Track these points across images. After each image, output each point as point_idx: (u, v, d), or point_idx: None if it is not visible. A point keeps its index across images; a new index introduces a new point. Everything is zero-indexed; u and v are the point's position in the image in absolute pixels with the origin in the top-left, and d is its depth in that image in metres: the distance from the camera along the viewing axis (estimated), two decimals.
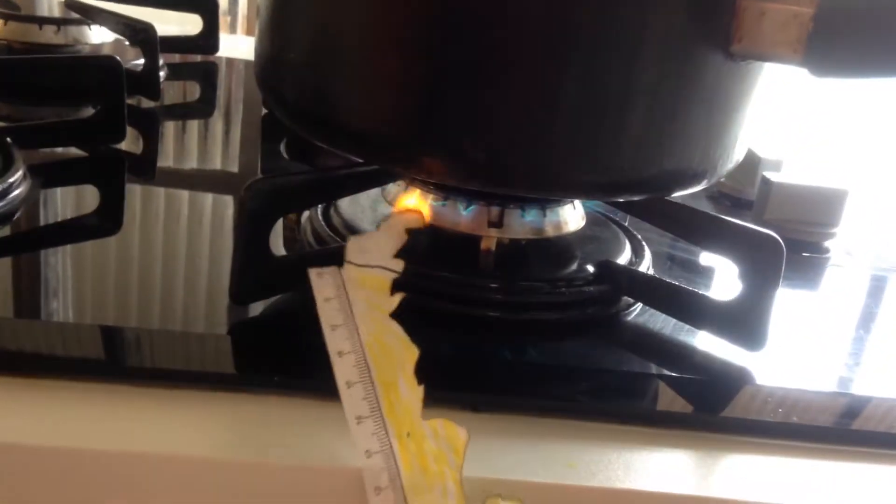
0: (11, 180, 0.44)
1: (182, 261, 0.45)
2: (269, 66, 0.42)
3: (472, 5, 0.34)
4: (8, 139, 0.47)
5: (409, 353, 0.28)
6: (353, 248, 0.31)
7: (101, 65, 0.51)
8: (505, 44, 0.35)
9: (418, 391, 0.28)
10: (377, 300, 0.30)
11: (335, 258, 0.37)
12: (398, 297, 0.30)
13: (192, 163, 0.62)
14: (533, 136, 0.36)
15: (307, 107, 0.40)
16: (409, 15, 0.35)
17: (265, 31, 0.42)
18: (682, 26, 0.35)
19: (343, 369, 0.28)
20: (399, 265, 0.30)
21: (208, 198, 0.56)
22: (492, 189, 0.39)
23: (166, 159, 0.61)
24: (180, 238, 0.48)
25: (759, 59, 0.37)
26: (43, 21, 0.68)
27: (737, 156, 0.41)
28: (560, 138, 0.36)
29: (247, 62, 0.88)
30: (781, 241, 0.37)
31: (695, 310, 0.40)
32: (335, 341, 0.29)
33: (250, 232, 0.36)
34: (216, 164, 0.64)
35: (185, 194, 0.55)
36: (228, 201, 0.56)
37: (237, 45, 0.97)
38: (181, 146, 0.66)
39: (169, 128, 0.69)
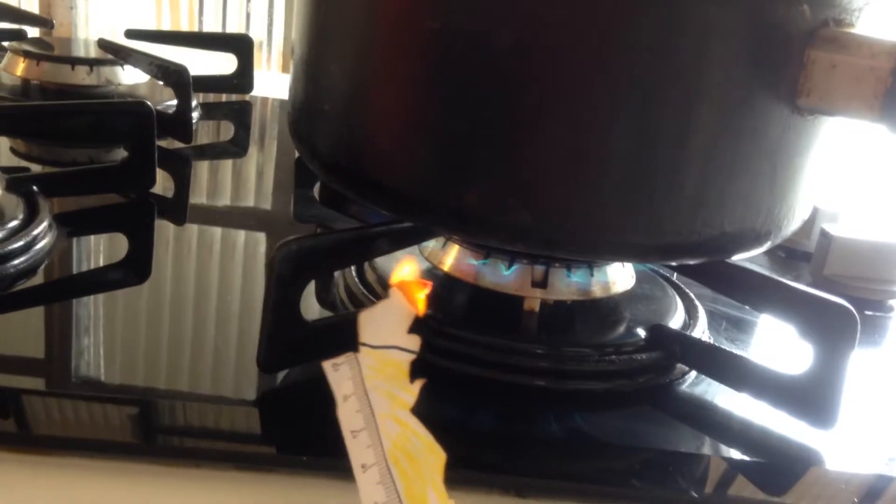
0: (35, 232, 0.42)
1: (210, 319, 0.43)
2: (302, 116, 0.40)
3: (517, 59, 0.32)
4: (34, 187, 0.46)
5: (437, 460, 0.26)
6: (365, 325, 0.28)
7: (132, 110, 0.49)
8: (551, 97, 0.32)
9: (449, 503, 0.26)
10: (397, 391, 0.27)
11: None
12: (418, 385, 0.27)
13: (224, 203, 0.61)
14: (581, 196, 0.33)
15: (342, 160, 0.38)
16: (451, 69, 0.33)
17: (299, 79, 0.40)
18: (744, 78, 0.33)
19: (368, 488, 0.26)
20: (415, 343, 0.27)
21: (240, 243, 0.54)
22: (537, 252, 0.37)
23: (198, 199, 0.60)
24: (210, 290, 0.46)
25: (829, 114, 0.34)
26: (75, 62, 0.68)
27: (802, 214, 0.38)
28: (611, 198, 0.33)
29: (281, 101, 0.87)
30: (855, 311, 0.34)
31: (757, 382, 0.37)
32: (358, 452, 0.26)
33: (280, 296, 0.34)
34: (249, 203, 0.62)
35: (216, 237, 0.54)
36: (260, 245, 0.54)
37: (271, 83, 0.96)
38: (214, 186, 0.64)
39: (202, 167, 0.67)
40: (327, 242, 0.36)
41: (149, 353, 0.38)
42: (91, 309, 0.42)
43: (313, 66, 0.38)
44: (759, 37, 0.32)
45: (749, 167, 0.34)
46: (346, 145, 0.37)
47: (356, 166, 0.37)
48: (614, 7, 0.31)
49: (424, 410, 0.26)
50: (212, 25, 1.22)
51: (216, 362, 0.38)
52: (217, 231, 0.55)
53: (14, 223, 0.42)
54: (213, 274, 0.48)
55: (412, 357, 0.28)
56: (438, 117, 0.34)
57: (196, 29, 1.23)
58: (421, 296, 0.29)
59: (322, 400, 0.35)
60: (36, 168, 0.59)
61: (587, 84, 0.32)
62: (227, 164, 0.71)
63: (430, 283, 0.28)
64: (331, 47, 0.37)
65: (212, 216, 0.58)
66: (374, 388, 0.28)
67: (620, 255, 0.36)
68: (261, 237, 0.56)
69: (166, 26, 1.22)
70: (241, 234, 0.56)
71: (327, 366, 0.28)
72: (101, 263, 0.48)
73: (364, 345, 0.28)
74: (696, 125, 0.33)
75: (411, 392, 0.27)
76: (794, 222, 0.37)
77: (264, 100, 0.87)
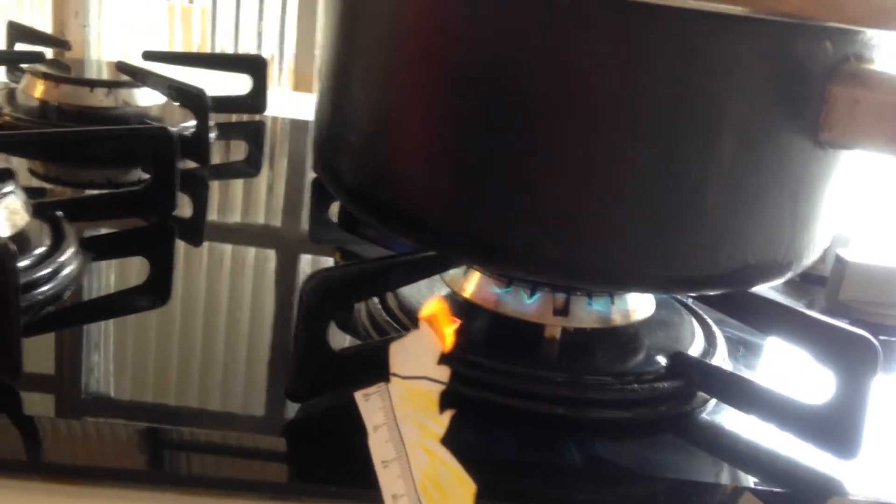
0: (62, 259, 0.43)
1: (235, 341, 0.43)
2: (328, 144, 0.41)
3: (543, 94, 0.33)
4: (58, 213, 0.47)
5: (466, 491, 0.26)
6: (396, 355, 0.28)
7: (155, 135, 0.50)
8: (576, 133, 0.33)
9: None
10: (426, 421, 0.28)
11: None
12: (448, 416, 0.28)
13: (238, 220, 0.62)
14: (607, 229, 0.34)
15: (368, 189, 0.38)
16: (477, 104, 0.34)
17: (325, 108, 0.40)
18: (767, 113, 0.33)
19: None
20: (445, 374, 0.28)
21: (254, 260, 0.55)
22: (563, 283, 0.37)
23: (212, 217, 0.61)
24: (230, 313, 0.46)
25: (851, 148, 0.34)
26: (94, 84, 0.68)
27: (822, 243, 0.38)
28: (636, 231, 0.34)
29: (292, 120, 0.88)
30: (876, 341, 0.35)
31: (778, 411, 0.37)
32: (389, 482, 0.27)
33: (308, 326, 0.34)
34: (265, 222, 0.63)
35: (229, 256, 0.54)
36: (272, 262, 0.55)
37: (282, 101, 0.97)
38: (229, 205, 0.65)
39: (215, 186, 0.68)
40: (354, 273, 0.37)
41: (170, 378, 0.39)
42: (105, 331, 0.43)
43: (341, 96, 0.39)
44: (783, 72, 0.32)
45: (771, 200, 0.34)
46: (372, 175, 0.38)
47: (382, 196, 0.37)
48: (638, 43, 0.32)
49: (446, 437, 0.26)
50: (224, 41, 1.23)
51: (239, 387, 0.39)
52: (231, 248, 0.56)
53: (41, 250, 0.43)
54: (241, 293, 0.49)
55: (442, 387, 0.28)
56: (464, 150, 0.34)
57: (208, 44, 1.24)
58: (449, 331, 0.30)
59: (346, 428, 0.35)
60: (48, 186, 0.60)
61: (612, 118, 0.33)
62: (242, 183, 0.71)
63: (459, 321, 0.29)
64: (358, 79, 0.38)
65: (226, 235, 0.58)
66: (405, 418, 0.28)
67: (645, 286, 0.37)
68: (276, 255, 0.57)
69: (178, 42, 1.23)
70: (255, 252, 0.57)
71: (359, 396, 0.29)
72: (123, 287, 0.48)
73: (395, 375, 0.29)
74: (720, 159, 0.33)
75: (441, 422, 0.28)
76: (814, 252, 0.38)
77: (274, 119, 0.87)
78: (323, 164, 0.42)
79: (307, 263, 0.57)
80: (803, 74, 0.33)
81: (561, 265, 0.34)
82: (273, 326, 0.46)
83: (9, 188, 0.43)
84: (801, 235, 0.36)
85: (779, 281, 0.37)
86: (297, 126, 0.87)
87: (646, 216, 0.33)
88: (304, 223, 0.64)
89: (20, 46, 0.82)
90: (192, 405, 0.37)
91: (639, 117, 0.32)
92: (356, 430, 0.30)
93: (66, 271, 0.43)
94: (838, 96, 0.33)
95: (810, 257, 0.37)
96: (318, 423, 0.36)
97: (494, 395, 0.38)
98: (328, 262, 0.57)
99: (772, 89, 0.33)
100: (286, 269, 0.56)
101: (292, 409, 0.36)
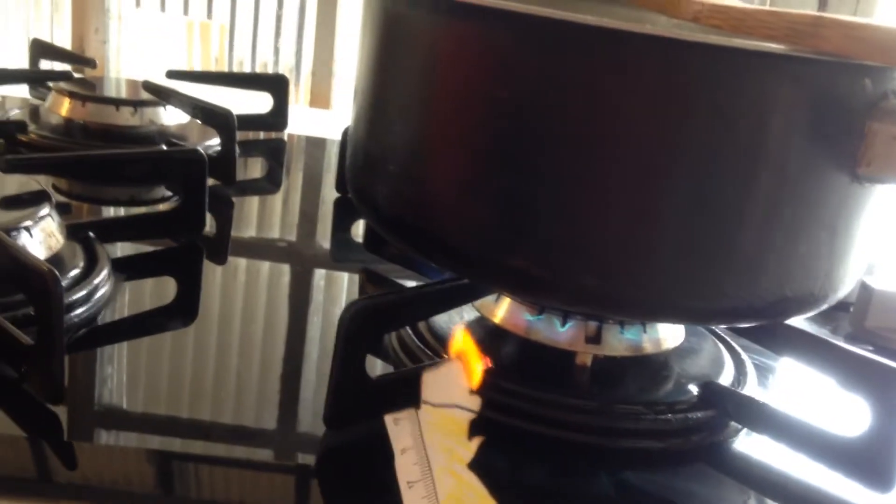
0: (97, 281, 0.43)
1: (259, 367, 0.43)
2: (363, 171, 0.41)
3: (583, 128, 0.33)
4: (90, 233, 0.47)
5: None
6: (428, 383, 0.29)
7: (188, 158, 0.50)
8: (615, 163, 0.33)
9: None
10: (455, 446, 0.28)
11: None
12: (476, 443, 0.28)
13: (258, 236, 0.62)
14: (646, 262, 0.34)
15: (404, 217, 0.39)
16: (516, 135, 0.34)
17: (360, 136, 0.41)
18: (806, 149, 0.33)
19: None
20: (476, 403, 0.28)
21: (270, 274, 0.55)
22: (599, 314, 0.37)
23: (235, 234, 0.62)
24: (256, 335, 0.47)
25: (889, 182, 0.35)
26: (120, 103, 0.69)
27: (857, 275, 0.38)
28: (675, 264, 0.34)
29: (309, 138, 0.89)
30: None
31: (811, 442, 0.37)
32: (413, 502, 0.27)
33: (347, 354, 0.34)
34: (285, 238, 0.64)
35: (254, 273, 0.55)
36: (287, 276, 0.55)
37: (299, 117, 0.97)
38: (249, 220, 0.66)
39: (236, 203, 0.69)
40: (391, 302, 0.37)
41: (184, 394, 0.39)
42: (119, 348, 0.43)
43: (377, 124, 0.39)
44: (822, 110, 0.33)
45: (809, 234, 0.35)
46: (410, 203, 0.38)
47: (419, 224, 0.38)
48: (680, 80, 0.32)
49: (474, 462, 0.26)
50: (242, 57, 1.24)
51: (252, 403, 0.39)
52: (254, 264, 0.56)
53: (75, 272, 0.43)
54: (257, 320, 0.49)
55: (472, 415, 0.29)
56: (503, 180, 0.35)
57: (226, 60, 1.24)
58: (478, 368, 0.30)
59: (372, 453, 0.35)
60: (69, 201, 0.61)
61: (652, 152, 0.33)
62: (265, 200, 0.72)
63: (488, 359, 0.29)
64: (396, 108, 0.38)
65: (250, 250, 0.59)
66: (433, 442, 0.28)
67: (683, 317, 0.37)
68: (295, 271, 0.57)
69: (197, 58, 1.24)
70: (276, 268, 0.57)
71: (389, 420, 0.29)
72: (151, 307, 0.49)
73: (426, 402, 0.29)
74: (759, 194, 0.33)
75: (469, 448, 0.28)
76: (849, 284, 0.38)
77: (291, 135, 0.88)
78: (356, 189, 0.42)
79: (330, 279, 0.57)
80: (842, 111, 0.33)
81: (599, 297, 0.34)
82: (307, 346, 0.46)
83: (45, 211, 0.43)
84: (838, 268, 0.36)
85: (814, 312, 0.37)
86: (313, 143, 0.87)
87: (685, 249, 0.34)
88: (327, 239, 0.64)
89: (44, 64, 0.82)
90: (203, 418, 0.38)
91: (679, 152, 0.33)
92: (382, 456, 0.30)
93: (101, 293, 0.43)
94: (877, 132, 0.33)
95: (846, 289, 0.38)
96: (345, 449, 0.36)
97: (525, 422, 0.38)
98: (344, 276, 0.57)
99: (811, 125, 0.33)
100: (305, 284, 0.56)
101: (308, 426, 0.36)
